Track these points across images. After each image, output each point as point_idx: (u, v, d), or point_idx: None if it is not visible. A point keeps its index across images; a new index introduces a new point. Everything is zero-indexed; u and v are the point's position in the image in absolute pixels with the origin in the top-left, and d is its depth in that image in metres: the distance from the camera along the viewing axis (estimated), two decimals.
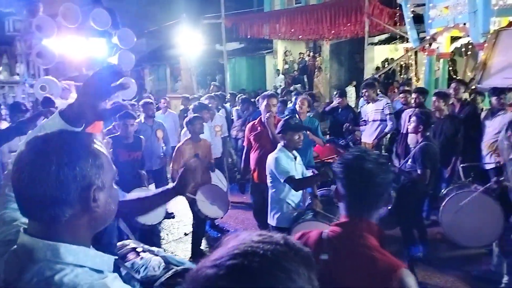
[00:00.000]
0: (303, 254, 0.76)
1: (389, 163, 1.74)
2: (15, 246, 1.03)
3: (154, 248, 2.74)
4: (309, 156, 5.68)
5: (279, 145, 3.84)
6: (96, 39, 8.34)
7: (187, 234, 5.70)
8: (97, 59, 8.73)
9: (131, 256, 2.67)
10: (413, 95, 6.11)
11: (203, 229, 5.24)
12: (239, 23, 13.99)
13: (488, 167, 5.38)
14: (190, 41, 13.42)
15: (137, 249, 2.68)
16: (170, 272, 2.50)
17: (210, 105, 7.06)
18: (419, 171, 4.34)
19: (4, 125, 5.58)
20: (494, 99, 5.42)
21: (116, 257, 1.10)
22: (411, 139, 5.63)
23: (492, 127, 5.31)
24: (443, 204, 4.34)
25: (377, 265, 1.46)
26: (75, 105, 1.25)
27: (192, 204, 4.75)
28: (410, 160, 4.55)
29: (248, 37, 14.51)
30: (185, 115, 9.07)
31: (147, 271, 2.54)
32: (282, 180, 3.63)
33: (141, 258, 2.61)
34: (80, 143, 1.04)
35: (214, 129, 6.94)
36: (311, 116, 6.39)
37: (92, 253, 1.04)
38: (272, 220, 3.88)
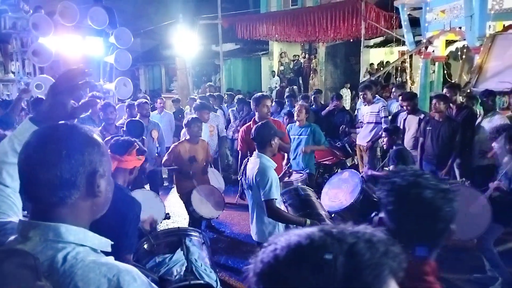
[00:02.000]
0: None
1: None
2: (16, 235, 1.06)
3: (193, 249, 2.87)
4: (308, 160, 5.73)
5: (258, 153, 3.38)
6: (93, 38, 8.30)
7: None
8: (94, 58, 8.70)
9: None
10: (404, 103, 6.09)
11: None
12: (236, 24, 13.95)
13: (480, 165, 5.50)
14: (186, 42, 13.39)
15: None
16: (180, 284, 2.57)
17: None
18: (390, 168, 4.69)
19: None
20: (487, 101, 5.53)
21: (112, 243, 1.14)
22: (407, 142, 5.79)
23: (488, 128, 5.38)
24: None
25: None
26: (45, 108, 1.32)
27: (187, 204, 4.74)
28: (391, 163, 4.84)
29: (244, 38, 14.49)
30: (179, 115, 9.11)
31: (166, 271, 2.61)
32: (263, 199, 3.19)
33: (171, 257, 2.69)
34: (85, 132, 1.12)
35: (209, 129, 6.93)
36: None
37: (91, 234, 1.09)
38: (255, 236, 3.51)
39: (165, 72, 20.99)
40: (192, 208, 4.64)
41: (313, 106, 8.15)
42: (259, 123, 3.61)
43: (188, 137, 5.05)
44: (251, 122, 5.08)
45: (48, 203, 1.05)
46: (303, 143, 5.71)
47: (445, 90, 6.36)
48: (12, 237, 1.07)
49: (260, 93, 5.52)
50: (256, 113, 4.87)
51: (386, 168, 4.94)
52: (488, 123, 5.38)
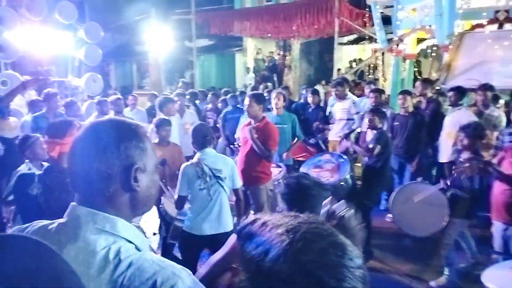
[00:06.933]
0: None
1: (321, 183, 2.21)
2: (65, 218, 1.10)
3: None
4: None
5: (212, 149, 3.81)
6: (61, 32, 8.08)
7: (156, 234, 5.58)
8: (62, 53, 8.45)
9: None
10: (371, 95, 6.47)
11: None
12: (210, 20, 13.85)
13: (442, 160, 5.69)
14: (158, 37, 13.19)
15: None
16: None
17: (178, 102, 6.96)
18: (370, 146, 4.85)
19: None
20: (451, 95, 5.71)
21: (151, 242, 1.13)
22: (369, 136, 5.88)
23: (448, 121, 5.63)
24: (393, 193, 4.62)
25: None
26: None
27: (159, 208, 4.56)
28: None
29: (218, 34, 14.41)
30: (153, 111, 8.95)
31: None
32: (238, 186, 3.78)
33: None
34: (126, 126, 1.14)
35: (184, 126, 6.84)
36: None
37: (138, 232, 1.12)
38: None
39: (136, 68, 20.64)
40: (164, 212, 4.52)
41: (301, 101, 8.25)
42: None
43: (156, 140, 4.81)
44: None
45: (86, 193, 1.10)
46: (286, 132, 5.77)
47: (417, 84, 6.62)
48: (63, 220, 1.09)
49: (252, 92, 5.44)
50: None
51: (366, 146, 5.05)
52: (450, 117, 5.57)
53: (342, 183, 4.76)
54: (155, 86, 15.71)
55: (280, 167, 5.48)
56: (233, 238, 2.09)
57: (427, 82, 6.78)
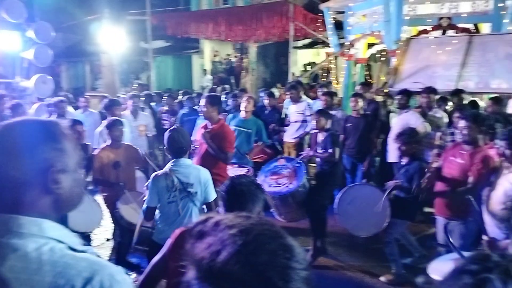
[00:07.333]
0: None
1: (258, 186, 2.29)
2: None
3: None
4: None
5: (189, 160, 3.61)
6: (8, 32, 7.73)
7: (110, 239, 5.45)
8: (8, 54, 8.09)
9: None
10: (322, 98, 6.65)
11: (130, 237, 4.42)
12: (166, 21, 13.70)
13: (391, 160, 5.90)
14: (112, 38, 12.88)
15: None
16: None
17: (132, 104, 6.88)
18: (330, 150, 4.94)
19: None
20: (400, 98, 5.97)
21: (82, 242, 1.13)
22: (320, 137, 6.08)
23: (396, 123, 5.85)
24: (339, 195, 4.76)
25: None
26: None
27: (115, 212, 4.45)
28: (320, 148, 5.09)
29: (175, 35, 14.27)
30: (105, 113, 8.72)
31: None
32: (212, 199, 3.49)
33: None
34: (41, 128, 1.09)
35: (138, 128, 6.75)
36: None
37: (67, 232, 1.09)
38: None
39: (89, 69, 20.06)
40: (119, 216, 4.39)
41: (259, 103, 8.30)
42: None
43: (109, 142, 4.68)
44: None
45: (6, 200, 1.04)
46: (250, 137, 5.84)
47: (357, 87, 6.94)
48: None
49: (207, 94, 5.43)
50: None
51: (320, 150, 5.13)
52: (399, 119, 5.83)
53: (300, 188, 4.89)
54: (109, 88, 15.31)
55: (244, 167, 5.53)
56: (169, 241, 2.13)
57: (367, 85, 7.19)
